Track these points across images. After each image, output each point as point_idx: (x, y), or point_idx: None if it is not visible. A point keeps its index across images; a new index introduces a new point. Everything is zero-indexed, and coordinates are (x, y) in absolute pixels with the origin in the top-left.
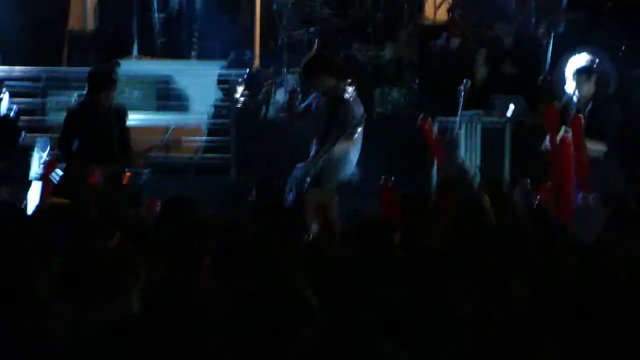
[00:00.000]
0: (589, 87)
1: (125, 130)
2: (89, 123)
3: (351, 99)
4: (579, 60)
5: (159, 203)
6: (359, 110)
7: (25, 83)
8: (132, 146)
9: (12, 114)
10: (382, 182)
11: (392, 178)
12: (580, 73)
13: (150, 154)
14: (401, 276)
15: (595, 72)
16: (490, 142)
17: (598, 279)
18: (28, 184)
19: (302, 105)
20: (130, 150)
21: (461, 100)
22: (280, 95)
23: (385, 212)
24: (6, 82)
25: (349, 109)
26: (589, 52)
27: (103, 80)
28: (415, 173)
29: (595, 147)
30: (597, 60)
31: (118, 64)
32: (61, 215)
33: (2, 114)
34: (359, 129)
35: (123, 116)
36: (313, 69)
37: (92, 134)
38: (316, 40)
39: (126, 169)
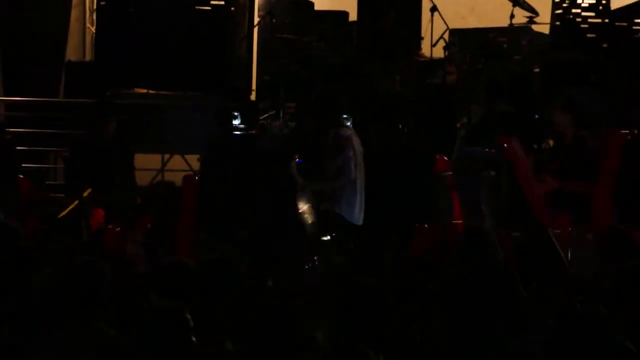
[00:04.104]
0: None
1: (129, 161)
2: (93, 152)
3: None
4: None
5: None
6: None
7: (22, 113)
8: (134, 177)
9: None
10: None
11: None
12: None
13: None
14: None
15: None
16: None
17: None
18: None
19: None
20: (132, 181)
21: (458, 136)
22: (275, 129)
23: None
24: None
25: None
26: (583, 91)
27: (104, 110)
28: (410, 209)
29: None
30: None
31: (116, 95)
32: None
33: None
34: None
35: (127, 146)
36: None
37: (95, 163)
38: None
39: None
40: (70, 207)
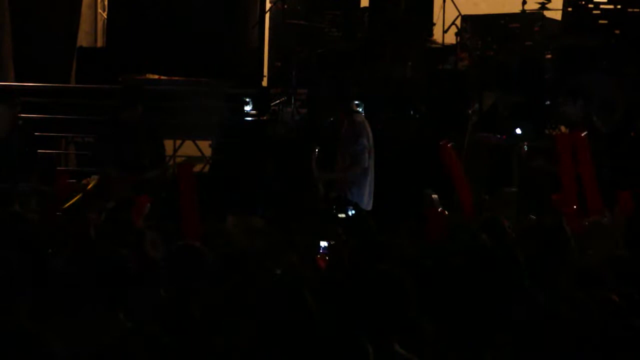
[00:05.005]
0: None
1: (158, 145)
2: (121, 136)
3: (359, 120)
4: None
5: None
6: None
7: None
8: (164, 159)
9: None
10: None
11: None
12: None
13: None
14: None
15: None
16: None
17: None
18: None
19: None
20: (162, 162)
21: (469, 122)
22: (287, 115)
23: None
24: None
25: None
26: (596, 77)
27: (130, 96)
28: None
29: None
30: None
31: (128, 81)
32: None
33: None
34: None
35: (155, 129)
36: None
37: (124, 146)
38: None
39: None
40: (75, 199)
